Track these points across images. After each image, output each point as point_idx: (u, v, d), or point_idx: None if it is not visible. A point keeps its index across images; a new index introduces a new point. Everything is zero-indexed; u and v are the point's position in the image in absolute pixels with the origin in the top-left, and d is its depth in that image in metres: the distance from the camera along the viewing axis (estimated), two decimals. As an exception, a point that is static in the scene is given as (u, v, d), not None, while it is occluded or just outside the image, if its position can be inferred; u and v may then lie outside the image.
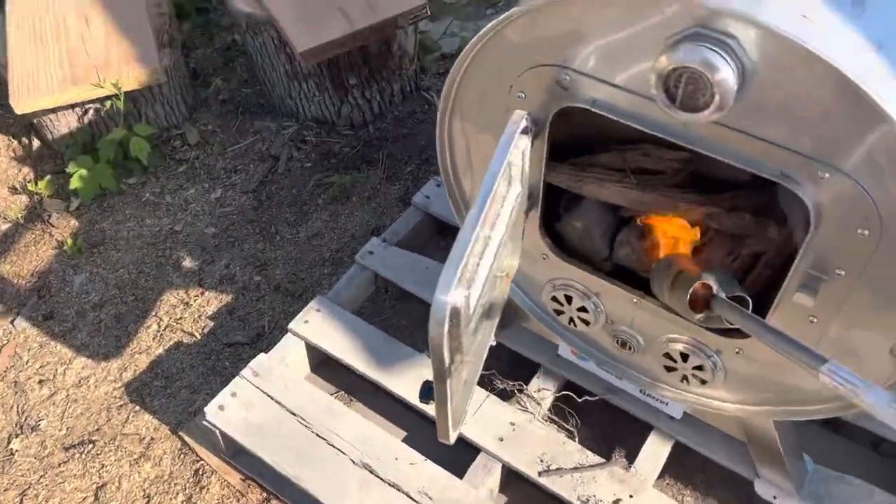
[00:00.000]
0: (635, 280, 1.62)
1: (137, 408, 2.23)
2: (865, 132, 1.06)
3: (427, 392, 1.27)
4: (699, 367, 1.56)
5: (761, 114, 1.13)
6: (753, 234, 1.51)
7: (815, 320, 1.32)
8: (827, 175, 1.13)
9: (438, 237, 2.50)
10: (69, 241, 2.61)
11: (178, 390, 2.26)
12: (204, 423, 1.99)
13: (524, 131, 1.32)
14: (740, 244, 1.53)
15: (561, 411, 2.04)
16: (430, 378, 1.22)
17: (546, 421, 2.02)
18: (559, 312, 1.74)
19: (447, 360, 1.16)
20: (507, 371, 2.15)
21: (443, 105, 1.53)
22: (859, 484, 1.78)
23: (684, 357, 1.57)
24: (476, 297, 1.23)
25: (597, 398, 1.97)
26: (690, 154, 1.51)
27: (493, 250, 1.30)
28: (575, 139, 1.63)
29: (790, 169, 1.16)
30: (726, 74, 1.07)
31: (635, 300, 1.57)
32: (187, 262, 2.57)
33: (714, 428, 1.85)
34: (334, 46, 2.52)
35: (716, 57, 1.07)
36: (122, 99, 2.61)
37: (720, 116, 1.13)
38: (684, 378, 1.62)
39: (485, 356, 1.52)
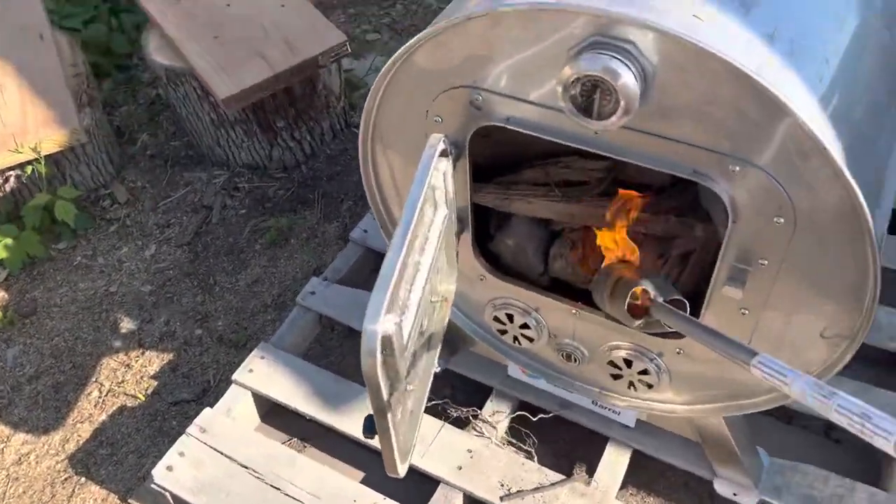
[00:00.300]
0: (573, 292, 1.62)
1: (83, 479, 2.13)
2: (768, 124, 1.09)
3: (370, 426, 1.24)
4: (644, 372, 1.57)
5: (667, 115, 1.15)
6: (680, 234, 1.54)
7: (747, 312, 1.33)
8: (737, 168, 1.15)
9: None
10: (-1, 313, 2.52)
11: (124, 456, 2.17)
12: (153, 486, 1.91)
13: (443, 154, 1.32)
14: (669, 246, 1.55)
15: (518, 433, 2.02)
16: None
17: (504, 444, 2.00)
18: (503, 332, 1.74)
19: (385, 392, 1.14)
20: (461, 398, 2.13)
21: (363, 134, 1.52)
22: (814, 471, 1.80)
23: (628, 363, 1.58)
24: (409, 324, 1.21)
25: (551, 415, 1.96)
26: (610, 162, 1.54)
27: (424, 275, 1.29)
28: (498, 158, 1.65)
29: (702, 166, 1.18)
30: (628, 79, 1.09)
31: (574, 312, 1.57)
32: (125, 323, 2.49)
33: (669, 433, 1.86)
34: (257, 91, 2.51)
35: (616, 63, 1.09)
36: (42, 163, 2.54)
37: (628, 121, 1.15)
38: (631, 384, 1.62)
39: (429, 384, 1.50)
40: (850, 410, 0.79)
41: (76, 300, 2.57)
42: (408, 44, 1.30)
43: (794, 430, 2.02)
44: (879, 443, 0.74)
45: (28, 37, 2.83)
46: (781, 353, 1.37)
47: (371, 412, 1.21)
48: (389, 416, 1.18)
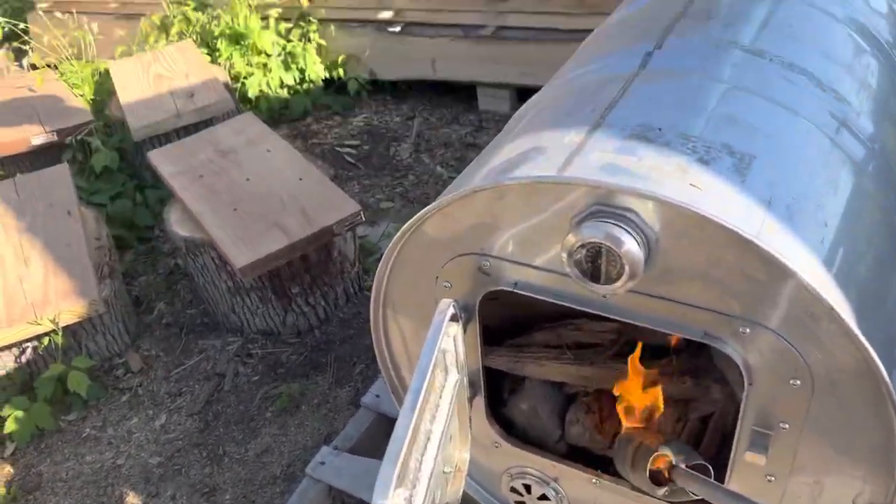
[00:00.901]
0: (591, 458, 1.57)
1: None
2: (774, 286, 1.10)
3: None
4: (670, 544, 1.48)
5: (674, 278, 1.17)
6: (698, 397, 1.51)
7: (773, 479, 1.28)
8: (748, 330, 1.15)
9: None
10: (2, 489, 2.44)
11: None
12: None
13: (453, 318, 1.33)
14: (687, 409, 1.52)
15: None
16: None
17: None
18: None
19: (396, 572, 1.07)
20: (478, 576, 2.00)
21: (374, 300, 1.55)
22: None
23: (654, 535, 1.49)
24: (422, 497, 1.17)
25: None
26: (621, 324, 1.54)
27: (436, 444, 1.26)
28: (508, 320, 1.66)
29: (712, 328, 1.18)
30: (631, 246, 1.12)
31: (594, 480, 1.51)
32: (130, 498, 2.41)
33: None
34: (273, 259, 2.58)
35: (619, 231, 1.12)
36: (59, 334, 2.57)
37: (634, 285, 1.17)
38: (658, 559, 1.52)
39: (445, 562, 1.42)
40: None
41: (82, 474, 2.50)
42: (417, 215, 1.35)
43: None
44: None
45: (56, 213, 2.96)
46: (815, 522, 1.30)
47: None
48: None
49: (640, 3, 1.90)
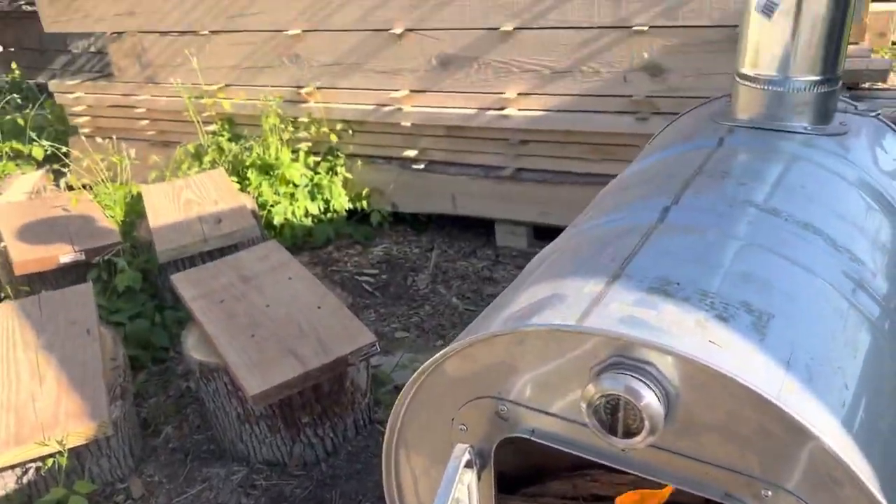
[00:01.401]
0: None
1: None
2: (795, 448, 1.08)
3: None
4: None
5: (695, 435, 1.16)
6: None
7: None
8: (769, 493, 1.13)
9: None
10: None
11: None
12: None
13: (468, 465, 1.31)
14: (707, 571, 1.45)
15: None
16: None
17: None
18: None
19: None
20: None
21: (388, 438, 1.53)
22: None
23: None
24: None
25: None
26: (639, 477, 1.51)
27: None
28: (524, 468, 1.62)
29: (734, 489, 1.16)
30: (651, 400, 1.12)
31: None
32: None
33: None
34: (286, 388, 2.57)
35: (638, 384, 1.12)
36: (65, 455, 2.54)
37: (654, 440, 1.15)
38: None
39: None
40: None
41: None
42: (437, 355, 1.37)
43: None
44: None
45: (76, 331, 2.99)
46: None
47: None
48: None
49: (657, 157, 1.99)
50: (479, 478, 1.38)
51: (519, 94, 3.96)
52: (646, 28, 3.54)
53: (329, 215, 4.54)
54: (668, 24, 3.51)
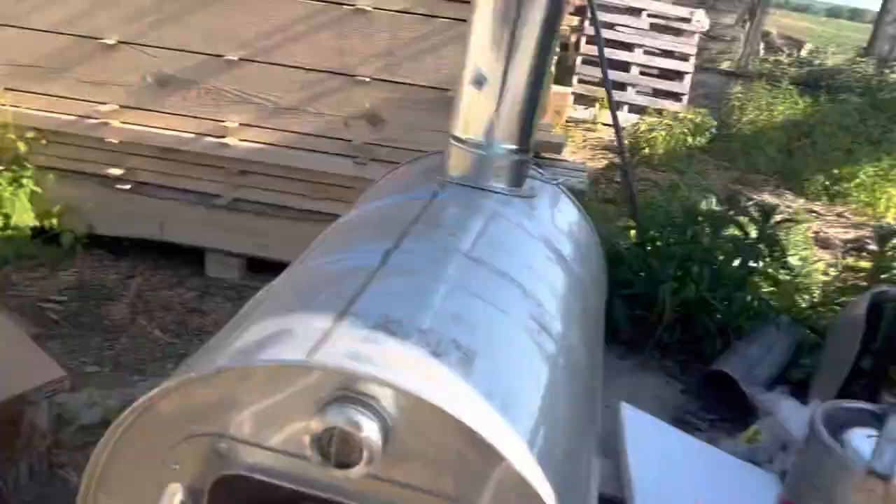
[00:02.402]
0: None
1: None
2: (488, 471, 1.23)
3: None
4: None
5: (406, 463, 1.26)
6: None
7: None
8: (467, 512, 1.26)
9: None
10: None
11: None
12: None
13: (181, 505, 1.26)
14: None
15: None
16: None
17: None
18: None
19: None
20: None
21: (86, 482, 1.41)
22: None
23: None
24: None
25: None
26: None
27: None
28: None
29: (436, 511, 1.27)
30: (370, 431, 1.19)
31: None
32: None
33: None
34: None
35: (359, 416, 1.19)
36: None
37: (371, 469, 1.23)
38: None
39: None
40: None
41: None
42: (148, 394, 1.30)
43: None
44: None
45: None
46: None
47: None
48: None
49: (378, 203, 2.12)
50: (191, 517, 1.33)
51: (241, 123, 3.92)
52: (367, 79, 3.74)
53: (8, 232, 4.01)
54: (388, 79, 3.74)
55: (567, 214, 2.50)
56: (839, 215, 6.86)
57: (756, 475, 2.98)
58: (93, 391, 3.21)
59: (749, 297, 4.04)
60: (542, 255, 2.07)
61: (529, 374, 1.50)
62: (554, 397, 1.55)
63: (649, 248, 4.13)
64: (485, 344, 1.45)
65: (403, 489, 1.27)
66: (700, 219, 4.10)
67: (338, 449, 1.21)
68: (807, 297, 4.43)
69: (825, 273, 4.92)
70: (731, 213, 4.14)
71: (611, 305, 3.88)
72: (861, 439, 1.96)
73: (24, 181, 4.05)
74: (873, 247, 4.23)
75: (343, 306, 1.40)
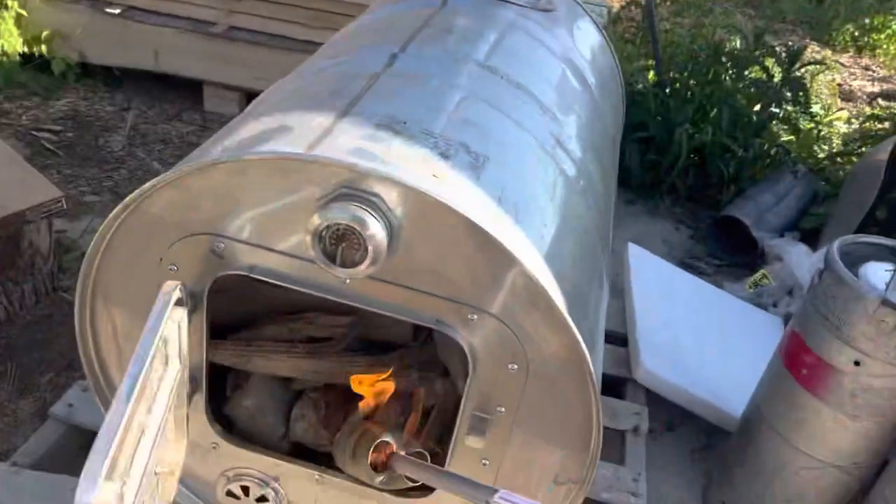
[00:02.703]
0: (315, 458, 1.54)
1: None
2: (500, 274, 1.18)
3: None
4: (389, 538, 1.50)
5: (412, 265, 1.20)
6: (422, 390, 1.56)
7: (488, 463, 1.36)
8: (475, 317, 1.22)
9: (87, 452, 2.15)
10: None
11: None
12: None
13: (179, 303, 1.22)
14: (411, 402, 1.56)
15: None
16: None
17: None
18: (237, 508, 1.57)
19: (98, 579, 0.94)
20: None
21: (82, 286, 1.37)
22: None
23: (374, 530, 1.50)
24: (133, 493, 1.04)
25: None
26: (354, 318, 1.55)
27: (152, 439, 1.14)
28: (237, 316, 1.57)
29: (444, 315, 1.23)
30: (376, 230, 1.13)
31: (317, 477, 1.48)
32: None
33: None
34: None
35: (364, 214, 1.12)
36: None
37: (375, 271, 1.18)
38: (376, 554, 1.53)
39: (150, 574, 1.28)
40: None
41: None
42: (143, 187, 1.23)
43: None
44: None
45: None
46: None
47: None
48: None
49: (384, 11, 1.96)
50: (189, 320, 1.30)
51: (236, -58, 3.64)
52: None
53: (-2, 58, 3.84)
54: None
55: (588, 36, 2.33)
56: (866, 68, 6.55)
57: (759, 317, 2.99)
58: (93, 219, 3.16)
59: (767, 145, 3.89)
60: (564, 74, 1.93)
61: (543, 187, 1.42)
62: (569, 215, 1.47)
63: (668, 89, 3.94)
64: (498, 152, 1.36)
65: (410, 292, 1.22)
66: (723, 59, 3.87)
67: (341, 247, 1.15)
68: (826, 147, 4.28)
69: (847, 123, 4.74)
70: (757, 53, 3.91)
71: (623, 148, 3.76)
72: (876, 272, 1.91)
73: (10, 3, 3.82)
74: (900, 97, 4.04)
75: (345, 105, 1.30)
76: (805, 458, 2.07)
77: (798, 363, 2.03)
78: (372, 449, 1.32)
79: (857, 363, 1.88)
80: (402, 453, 1.32)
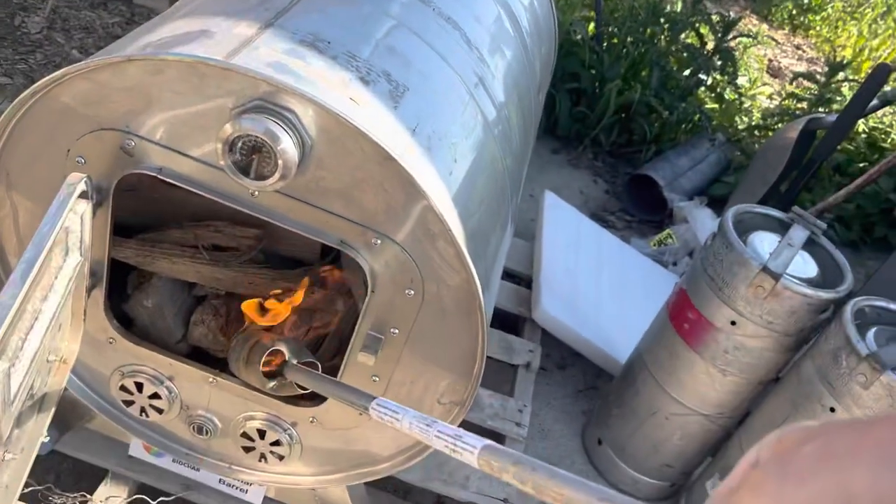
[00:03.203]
0: (210, 361, 1.58)
1: None
2: (407, 205, 1.22)
3: (-50, 499, 1.04)
4: (276, 443, 1.57)
5: (321, 186, 1.23)
6: (322, 307, 1.61)
7: (378, 379, 1.43)
8: (378, 242, 1.27)
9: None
10: None
11: None
12: None
13: (83, 195, 1.22)
14: (311, 317, 1.61)
15: (133, 519, 1.84)
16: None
17: (115, 533, 1.80)
18: (129, 403, 1.60)
19: (-21, 454, 0.97)
20: (69, 484, 1.89)
21: (-16, 173, 1.34)
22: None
23: (261, 434, 1.56)
24: (21, 374, 1.07)
25: (173, 497, 1.83)
26: (262, 231, 1.57)
27: (45, 325, 1.15)
28: (143, 215, 1.57)
29: (348, 237, 1.27)
30: (287, 145, 1.15)
31: (211, 380, 1.52)
32: None
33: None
34: None
35: (277, 128, 1.14)
36: None
37: (284, 186, 1.20)
38: (263, 457, 1.60)
39: (33, 457, 1.31)
40: (446, 433, 0.91)
41: None
42: (54, 74, 1.21)
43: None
44: (466, 457, 0.86)
45: None
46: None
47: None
48: (-20, 484, 1.00)
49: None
50: (93, 213, 1.30)
51: None
52: None
53: None
54: None
55: (527, -19, 2.35)
56: (797, 47, 6.78)
57: (658, 273, 3.15)
58: (2, 102, 3.03)
59: (691, 110, 4.04)
60: (498, 16, 1.95)
61: (459, 122, 1.46)
62: (481, 156, 1.52)
63: (605, 44, 4.01)
64: (418, 83, 1.39)
65: (317, 211, 1.25)
66: (661, 20, 3.96)
67: (252, 159, 1.17)
68: (746, 119, 4.47)
69: (770, 98, 4.94)
70: (694, 19, 4.01)
71: (553, 98, 3.83)
72: (762, 241, 2.05)
73: None
74: (822, 79, 4.23)
75: (271, 17, 1.29)
76: (676, 404, 2.24)
77: (681, 317, 2.18)
78: (265, 356, 1.37)
79: (733, 323, 2.04)
80: (295, 362, 1.38)
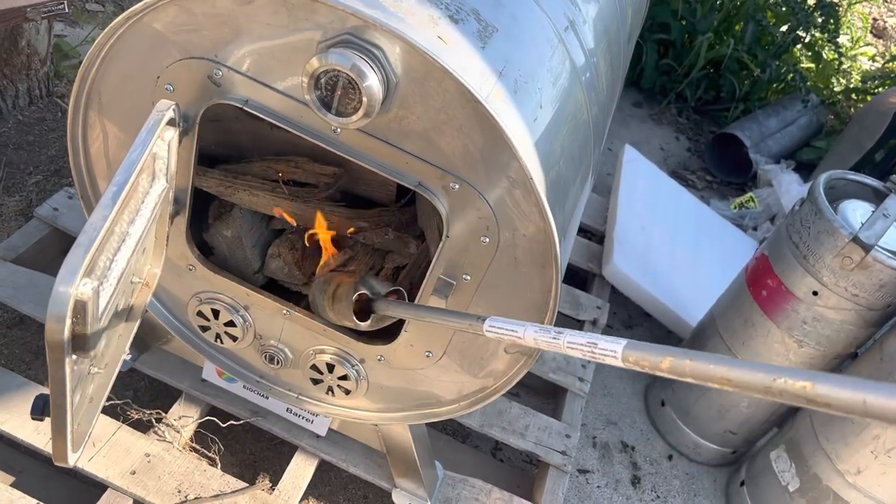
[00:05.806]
0: (284, 293, 1.61)
1: None
2: (489, 150, 1.20)
3: (40, 406, 1.10)
4: (344, 377, 1.60)
5: (402, 126, 1.22)
6: (396, 249, 1.61)
7: (447, 324, 1.43)
8: (457, 186, 1.25)
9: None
10: None
11: None
12: None
13: (171, 123, 1.24)
14: (384, 258, 1.62)
15: (204, 439, 1.92)
16: (47, 391, 1.06)
17: (187, 450, 1.89)
18: (205, 329, 1.65)
19: (68, 367, 1.02)
20: (146, 401, 1.98)
21: (76, 95, 1.37)
22: (480, 485, 1.96)
23: (330, 368, 1.60)
24: (108, 295, 1.10)
25: (242, 422, 1.90)
26: (341, 170, 1.58)
27: (131, 248, 1.19)
28: (227, 147, 1.59)
29: (426, 180, 1.26)
30: (373, 82, 1.13)
31: (285, 312, 1.55)
32: None
33: (356, 445, 1.90)
34: (-59, 28, 2.14)
35: (364, 64, 1.12)
36: None
37: (366, 124, 1.19)
38: (330, 389, 1.64)
39: (115, 374, 1.37)
40: (578, 343, 0.89)
41: None
42: (147, 0, 1.22)
43: (467, 449, 2.19)
44: (609, 361, 0.84)
45: None
46: (469, 363, 1.49)
47: (45, 392, 1.08)
48: (68, 395, 1.05)
49: None
50: (180, 141, 1.32)
51: None
52: None
53: None
54: None
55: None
56: (905, 7, 6.34)
57: (737, 236, 3.05)
58: (94, 28, 3.10)
59: (785, 68, 3.83)
60: (588, -41, 1.87)
61: (546, 67, 1.41)
62: (567, 103, 1.48)
63: (698, -7, 3.83)
64: (508, 25, 1.34)
65: (397, 151, 1.24)
66: (761, -30, 3.74)
67: (336, 95, 1.16)
68: (844, 81, 4.22)
69: (872, 59, 4.65)
70: (797, -30, 3.78)
71: (640, 48, 3.69)
72: (855, 210, 1.95)
73: None
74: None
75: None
76: (745, 372, 2.19)
77: (761, 284, 2.10)
78: (353, 299, 1.36)
79: (815, 293, 1.96)
80: (383, 294, 1.37)
